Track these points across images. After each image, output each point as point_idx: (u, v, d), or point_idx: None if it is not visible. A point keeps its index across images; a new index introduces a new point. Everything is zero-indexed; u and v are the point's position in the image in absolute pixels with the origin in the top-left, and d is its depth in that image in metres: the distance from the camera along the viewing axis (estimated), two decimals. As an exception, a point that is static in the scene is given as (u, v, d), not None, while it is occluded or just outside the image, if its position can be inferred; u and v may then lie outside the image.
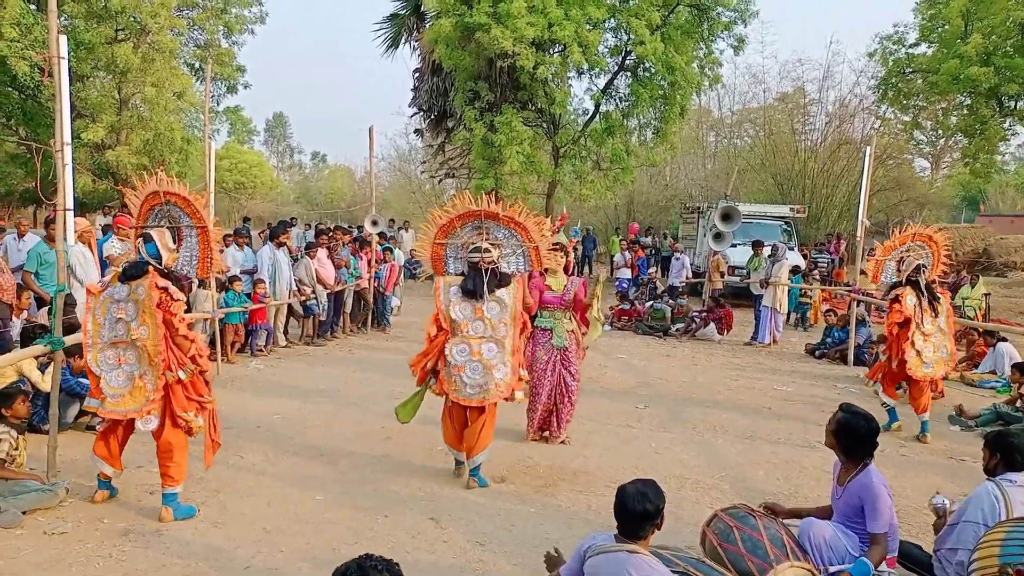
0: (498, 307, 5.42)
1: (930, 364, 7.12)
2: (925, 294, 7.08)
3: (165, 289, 4.64)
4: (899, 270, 7.34)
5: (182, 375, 4.70)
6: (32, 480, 4.80)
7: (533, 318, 6.38)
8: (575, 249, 23.67)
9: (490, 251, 5.46)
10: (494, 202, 5.65)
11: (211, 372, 5.08)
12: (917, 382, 7.17)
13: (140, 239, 4.79)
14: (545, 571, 4.06)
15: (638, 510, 3.01)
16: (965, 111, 22.13)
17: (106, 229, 9.64)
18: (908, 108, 24.68)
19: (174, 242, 4.91)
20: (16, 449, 4.83)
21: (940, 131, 26.93)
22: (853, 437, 3.87)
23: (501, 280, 5.46)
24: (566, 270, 6.71)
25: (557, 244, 6.48)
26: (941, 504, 4.13)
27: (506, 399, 5.48)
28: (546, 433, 6.72)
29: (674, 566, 3.23)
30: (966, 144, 22.83)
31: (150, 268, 4.66)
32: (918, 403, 7.26)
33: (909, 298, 7.07)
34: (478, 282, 5.40)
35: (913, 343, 7.07)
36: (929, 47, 22.63)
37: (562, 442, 6.64)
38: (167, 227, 4.93)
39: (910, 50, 23.28)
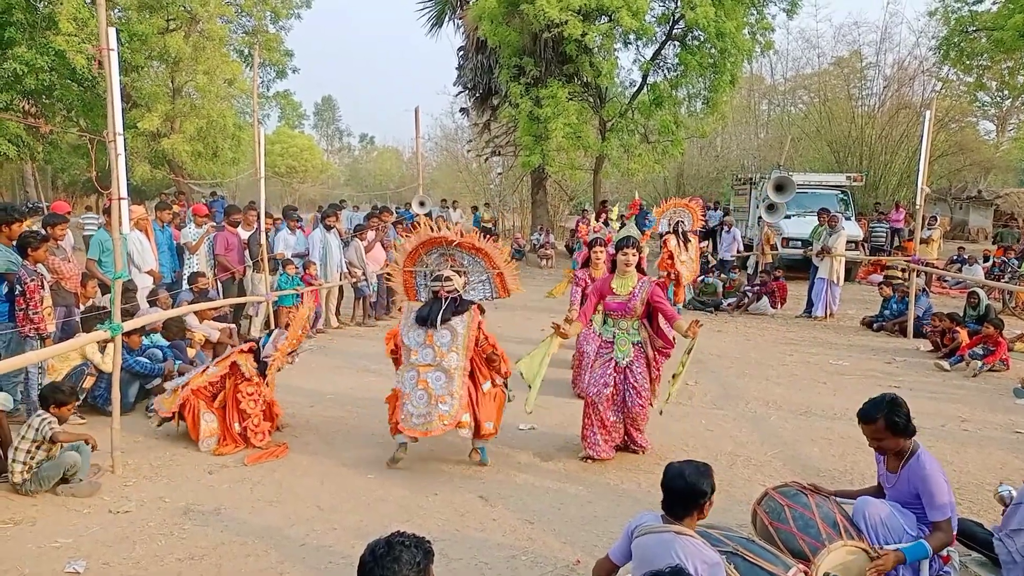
0: (449, 335, 5.23)
1: (683, 276, 11.41)
2: (682, 238, 11.11)
3: (235, 364, 6.00)
4: (669, 223, 11.38)
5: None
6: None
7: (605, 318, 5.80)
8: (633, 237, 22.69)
9: (451, 280, 5.34)
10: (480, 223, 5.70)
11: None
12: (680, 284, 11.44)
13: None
14: (595, 550, 4.07)
15: (674, 488, 3.03)
16: (1033, 69, 21.15)
17: (164, 217, 9.82)
18: (971, 68, 23.68)
19: (290, 354, 6.34)
20: None
21: (1006, 91, 25.75)
22: (902, 416, 3.62)
23: (458, 308, 5.29)
24: (639, 268, 5.68)
25: (629, 239, 5.67)
26: (1008, 494, 3.98)
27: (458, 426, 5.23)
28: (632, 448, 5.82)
29: (724, 546, 3.20)
30: (1034, 104, 21.84)
31: (244, 346, 6.21)
32: (677, 297, 11.27)
33: (672, 240, 11.07)
34: (434, 309, 5.27)
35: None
36: (994, 3, 21.63)
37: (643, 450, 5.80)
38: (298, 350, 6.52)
39: (973, 7, 22.30)
